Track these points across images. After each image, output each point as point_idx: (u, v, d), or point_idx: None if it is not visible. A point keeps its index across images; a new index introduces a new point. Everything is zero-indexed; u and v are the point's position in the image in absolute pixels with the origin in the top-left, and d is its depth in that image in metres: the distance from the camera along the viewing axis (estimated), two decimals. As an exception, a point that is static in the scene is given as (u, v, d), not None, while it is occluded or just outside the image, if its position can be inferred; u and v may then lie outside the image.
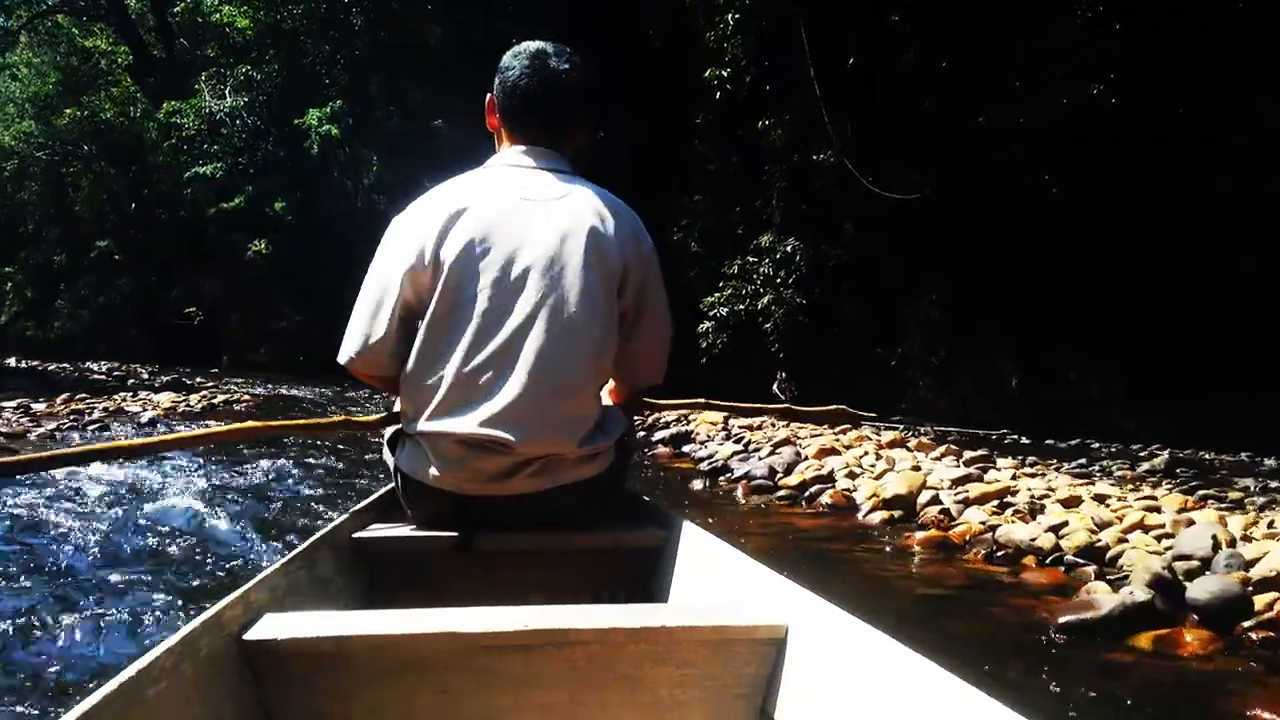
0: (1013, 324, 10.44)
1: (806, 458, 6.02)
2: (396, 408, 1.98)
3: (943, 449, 6.28)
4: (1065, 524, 3.72)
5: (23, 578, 3.02)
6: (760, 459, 6.20)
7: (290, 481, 5.27)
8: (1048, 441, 8.88)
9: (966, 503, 4.34)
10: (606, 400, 2.04)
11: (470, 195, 1.82)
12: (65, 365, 17.09)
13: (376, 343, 1.84)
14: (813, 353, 12.89)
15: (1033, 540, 3.65)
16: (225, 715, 1.14)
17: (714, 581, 1.65)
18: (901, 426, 9.43)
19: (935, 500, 4.46)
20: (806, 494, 5.17)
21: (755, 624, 1.30)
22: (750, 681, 1.30)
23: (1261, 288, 8.44)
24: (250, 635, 1.20)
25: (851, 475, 5.40)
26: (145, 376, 13.66)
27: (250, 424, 2.09)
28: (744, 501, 5.30)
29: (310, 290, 20.70)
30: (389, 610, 1.29)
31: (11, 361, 18.31)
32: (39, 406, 7.55)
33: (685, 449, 7.53)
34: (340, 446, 6.67)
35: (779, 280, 13.17)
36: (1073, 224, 9.76)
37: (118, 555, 3.37)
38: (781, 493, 5.30)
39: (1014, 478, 5.09)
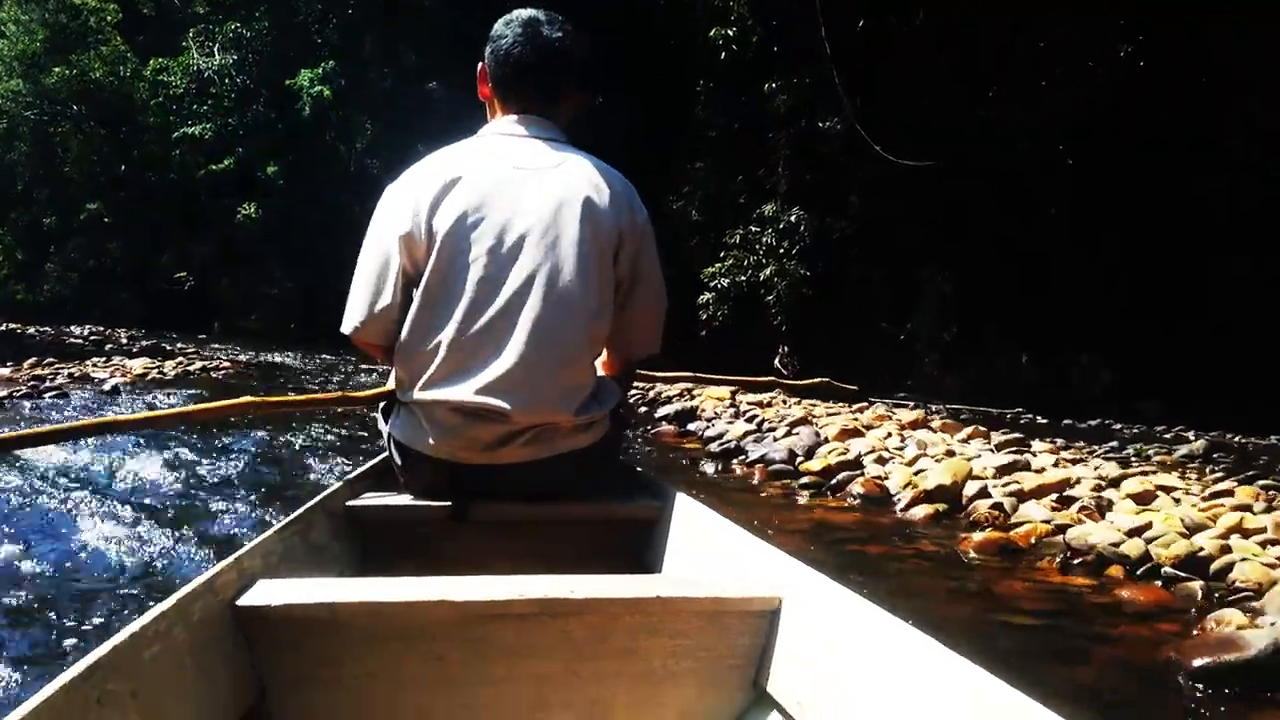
0: (1018, 317, 10.28)
1: (827, 439, 5.54)
2: (391, 383, 1.96)
3: (969, 430, 5.85)
4: (1148, 525, 3.26)
5: (13, 548, 3.04)
6: (776, 440, 5.69)
7: (282, 450, 5.22)
8: (1065, 422, 8.52)
9: (1020, 496, 3.88)
10: (600, 371, 2.01)
11: (464, 164, 1.81)
12: (47, 329, 16.55)
13: (382, 310, 1.82)
14: (816, 326, 12.57)
15: (1115, 546, 3.17)
16: (218, 679, 1.14)
17: (708, 553, 1.66)
18: (911, 404, 9.01)
19: (984, 493, 3.98)
20: (833, 482, 4.66)
21: (749, 595, 1.30)
22: (744, 652, 1.31)
23: (1254, 288, 8.60)
24: (244, 601, 1.20)
25: (881, 460, 4.90)
26: (124, 341, 13.16)
27: (245, 399, 2.03)
28: (762, 489, 4.80)
29: (302, 255, 20.27)
30: (383, 578, 1.28)
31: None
32: (2, 371, 7.07)
33: (691, 427, 6.99)
34: (336, 416, 6.51)
35: (782, 251, 12.72)
36: (1074, 222, 9.75)
37: (109, 524, 3.38)
38: (804, 479, 4.81)
39: (1056, 464, 4.67)
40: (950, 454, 4.79)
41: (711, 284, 13.08)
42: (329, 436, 5.88)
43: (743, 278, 12.91)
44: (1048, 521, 3.54)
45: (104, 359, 8.87)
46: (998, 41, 10.02)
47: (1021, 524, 3.61)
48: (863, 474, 4.70)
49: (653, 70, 14.74)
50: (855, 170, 11.87)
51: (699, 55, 13.51)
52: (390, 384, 1.96)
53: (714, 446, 6.05)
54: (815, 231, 12.43)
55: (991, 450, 5.12)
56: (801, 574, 1.32)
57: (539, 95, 1.90)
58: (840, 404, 7.65)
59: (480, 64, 1.95)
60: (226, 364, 10.49)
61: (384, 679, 1.23)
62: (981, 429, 5.92)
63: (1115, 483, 4.15)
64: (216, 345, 15.74)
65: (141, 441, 5.00)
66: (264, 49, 18.90)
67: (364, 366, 11.50)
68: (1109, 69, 9.27)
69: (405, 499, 1.87)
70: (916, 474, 4.46)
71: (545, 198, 1.78)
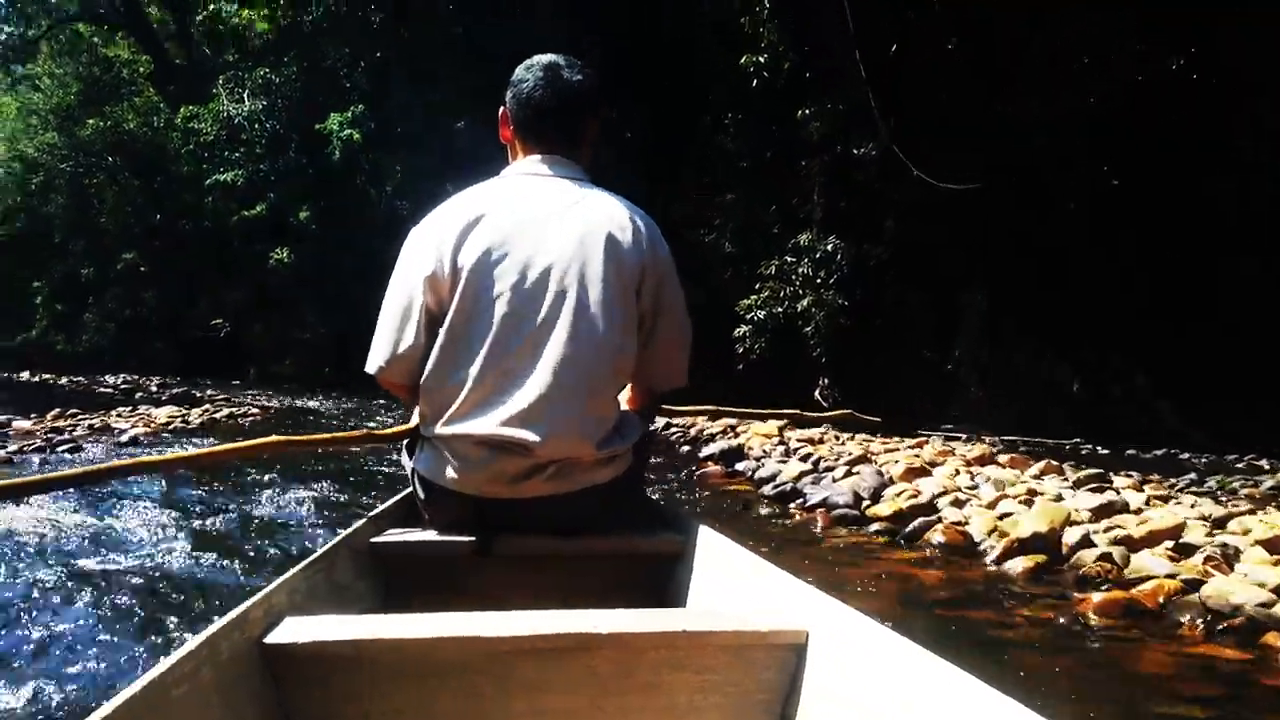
0: (1046, 322, 10.07)
1: (892, 479, 5.11)
2: (414, 420, 1.96)
3: (1040, 465, 5.46)
4: (1300, 581, 2.80)
5: (48, 582, 3.13)
6: (836, 480, 5.21)
7: (307, 488, 5.27)
8: (1129, 451, 8.11)
9: (1128, 544, 3.42)
10: (624, 406, 2.01)
11: (486, 203, 1.84)
12: (80, 379, 16.50)
13: (406, 350, 1.84)
14: (856, 356, 12.23)
15: (1267, 607, 2.69)
16: (246, 717, 1.14)
17: (733, 587, 1.64)
18: (964, 436, 8.59)
19: (1086, 541, 3.51)
20: (908, 529, 4.17)
21: (775, 629, 1.29)
22: (771, 687, 1.29)
23: (1263, 289, 8.48)
24: (271, 639, 1.20)
25: (957, 503, 4.41)
26: (155, 389, 13.00)
27: (275, 438, 2.07)
28: (827, 537, 4.30)
29: (334, 299, 20.18)
30: (408, 614, 1.28)
31: (25, 375, 17.76)
32: (23, 424, 6.85)
33: (740, 467, 6.48)
34: (356, 454, 6.54)
35: (819, 281, 12.39)
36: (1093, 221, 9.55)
37: (135, 562, 3.48)
38: (873, 526, 4.36)
39: (1147, 503, 4.25)
40: (1033, 495, 4.37)
41: (748, 316, 12.77)
42: (352, 475, 5.89)
43: (779, 309, 12.58)
44: (1172, 576, 3.07)
45: (130, 408, 8.65)
46: (1014, 37, 9.83)
47: (1142, 579, 3.14)
48: (940, 520, 4.23)
49: (661, 77, 14.60)
50: (891, 194, 11.59)
51: (726, 83, 13.33)
52: (414, 420, 1.96)
53: (768, 489, 5.56)
54: (852, 260, 12.11)
55: (1072, 488, 4.71)
56: (829, 607, 1.31)
57: (561, 137, 1.95)
58: (896, 438, 7.27)
59: (501, 108, 2.00)
60: (255, 411, 10.36)
61: (411, 716, 1.23)
62: (1054, 463, 5.51)
63: (1220, 523, 3.73)
64: (250, 391, 15.64)
65: (168, 481, 5.20)
66: (293, 94, 18.95)
67: (395, 411, 11.23)
68: (1124, 65, 9.10)
69: (429, 535, 1.87)
70: (1002, 519, 4.00)
71: (568, 234, 1.80)
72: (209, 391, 12.28)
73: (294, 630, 1.22)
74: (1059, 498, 4.25)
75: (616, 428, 1.85)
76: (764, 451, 6.79)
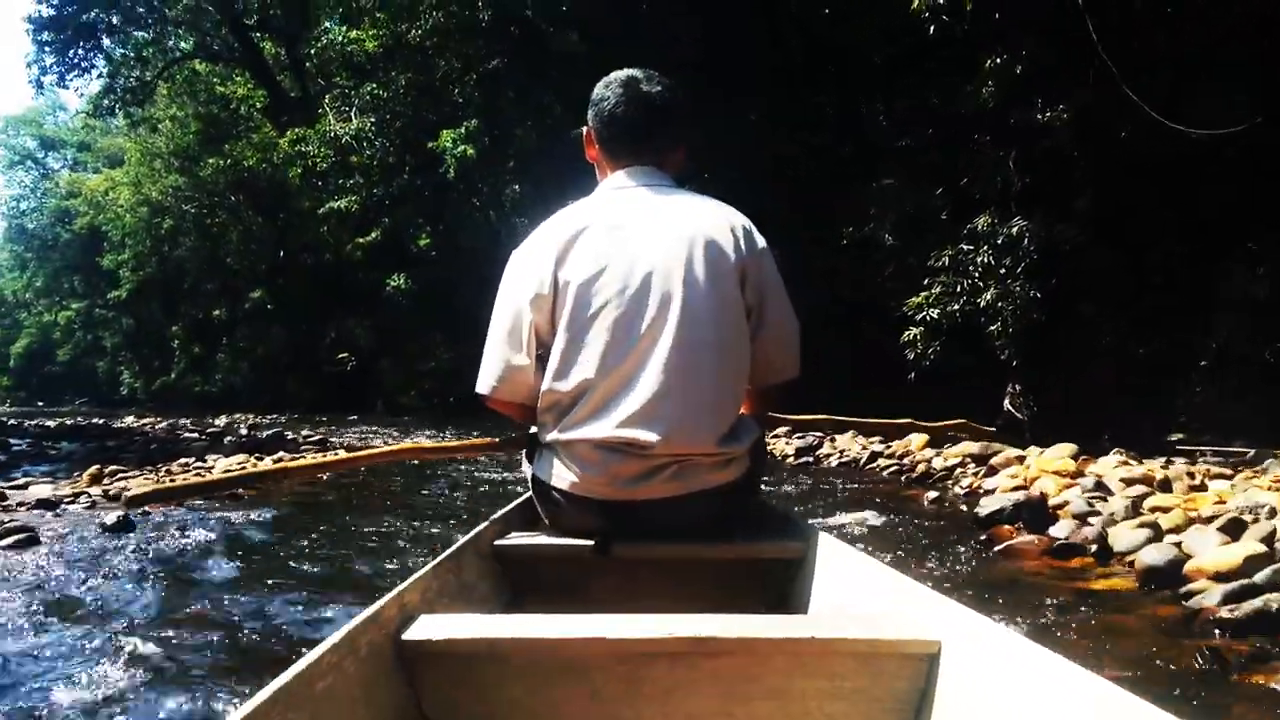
0: None
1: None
2: (534, 427, 1.98)
3: None
4: None
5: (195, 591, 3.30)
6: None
7: (429, 493, 5.50)
8: None
9: None
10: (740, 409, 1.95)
11: (583, 219, 1.88)
12: (162, 423, 15.82)
13: (517, 370, 1.89)
14: (1053, 357, 10.41)
15: None
16: (385, 709, 1.19)
17: (858, 595, 1.59)
18: (1248, 453, 6.74)
19: None
20: None
21: (908, 638, 1.25)
22: (901, 697, 1.25)
23: None
24: (407, 635, 1.25)
25: None
26: (244, 432, 12.08)
27: (409, 445, 2.33)
28: None
29: (456, 325, 19.41)
30: (538, 614, 1.31)
31: (130, 420, 17.31)
32: (42, 489, 5.53)
33: (1060, 534, 3.93)
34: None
35: (1004, 270, 10.60)
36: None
37: (285, 560, 3.81)
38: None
39: None
40: None
41: (917, 317, 11.12)
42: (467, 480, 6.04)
43: (955, 306, 10.87)
44: None
45: (193, 458, 7.55)
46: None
47: None
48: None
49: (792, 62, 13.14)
50: (1088, 162, 9.79)
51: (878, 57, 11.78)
52: (534, 428, 1.97)
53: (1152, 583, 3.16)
54: (1041, 243, 10.30)
55: None
56: (962, 616, 1.25)
57: (645, 148, 1.98)
58: (1160, 460, 5.54)
59: (585, 128, 2.04)
60: (343, 453, 8.65)
61: (542, 715, 1.24)
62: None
63: None
64: (362, 428, 14.71)
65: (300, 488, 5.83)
66: (403, 111, 18.21)
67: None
68: None
69: (549, 538, 1.89)
70: None
71: (665, 239, 1.84)
72: (303, 432, 11.17)
73: (429, 628, 1.26)
74: None
75: (733, 429, 1.83)
76: (1087, 502, 4.31)
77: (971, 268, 10.84)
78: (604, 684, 1.23)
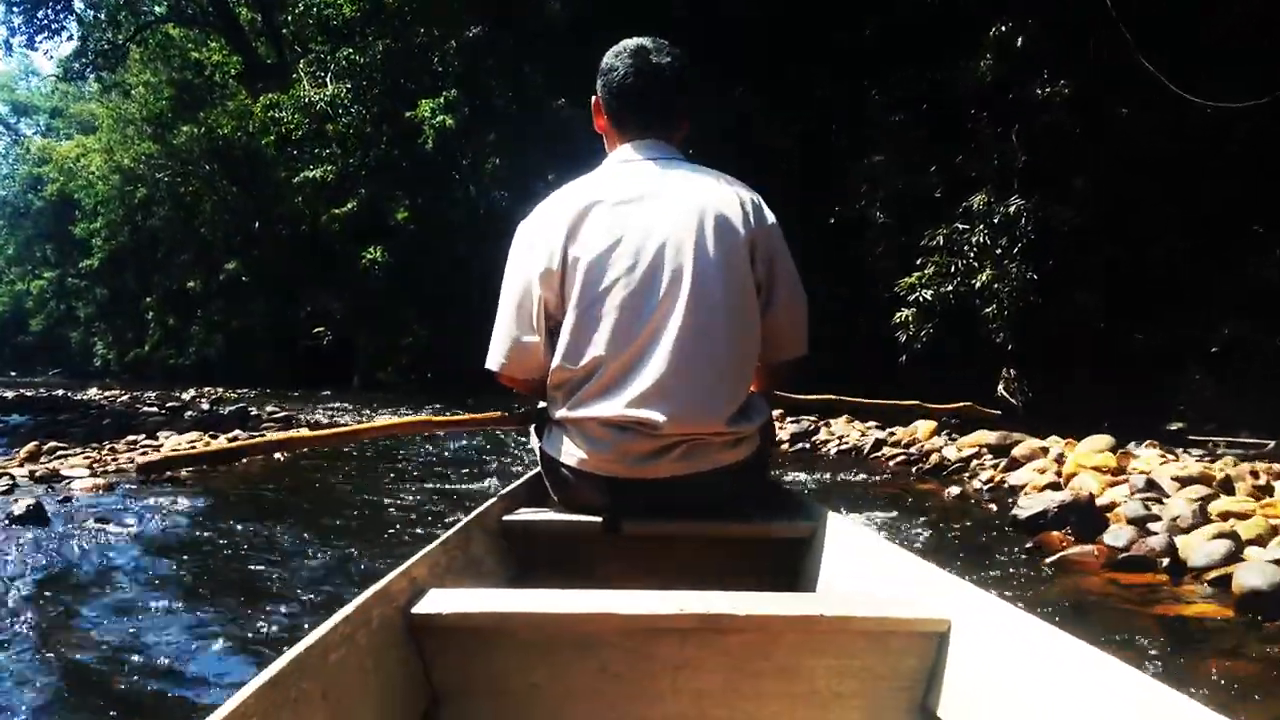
0: None
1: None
2: (541, 403, 1.99)
3: None
4: None
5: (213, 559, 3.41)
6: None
7: (438, 467, 5.49)
8: None
9: None
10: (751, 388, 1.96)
11: (592, 193, 1.86)
12: (123, 396, 15.09)
13: (527, 346, 1.88)
14: (1048, 341, 10.10)
15: None
16: (396, 684, 1.19)
17: (868, 574, 1.58)
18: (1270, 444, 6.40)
19: None
20: None
21: (917, 616, 1.25)
22: (910, 675, 1.25)
23: None
24: (418, 609, 1.26)
25: None
26: (205, 407, 11.54)
27: (417, 418, 2.34)
28: None
29: (434, 300, 18.88)
30: (548, 590, 1.31)
31: (94, 393, 16.63)
32: None
33: (1116, 542, 3.57)
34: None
35: (1000, 250, 10.26)
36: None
37: (295, 531, 3.89)
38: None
39: None
40: None
41: (910, 298, 10.76)
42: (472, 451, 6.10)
43: (949, 287, 10.52)
44: None
45: (144, 435, 7.05)
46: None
47: None
48: None
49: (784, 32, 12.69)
50: (1088, 141, 9.45)
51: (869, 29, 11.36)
52: (542, 404, 1.98)
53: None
54: (1040, 224, 9.95)
55: None
56: (971, 595, 1.26)
57: (655, 120, 1.96)
58: (1177, 451, 5.19)
59: (594, 97, 2.01)
60: (305, 432, 8.10)
61: (551, 689, 1.25)
62: None
63: None
64: (336, 404, 14.20)
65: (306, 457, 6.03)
66: (380, 77, 17.57)
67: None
68: None
69: (557, 514, 1.90)
70: None
71: (677, 214, 1.81)
72: (268, 409, 10.61)
73: (438, 602, 1.27)
74: None
75: (743, 409, 1.82)
76: (1143, 508, 3.85)
77: (966, 247, 10.49)
78: (612, 659, 1.24)
